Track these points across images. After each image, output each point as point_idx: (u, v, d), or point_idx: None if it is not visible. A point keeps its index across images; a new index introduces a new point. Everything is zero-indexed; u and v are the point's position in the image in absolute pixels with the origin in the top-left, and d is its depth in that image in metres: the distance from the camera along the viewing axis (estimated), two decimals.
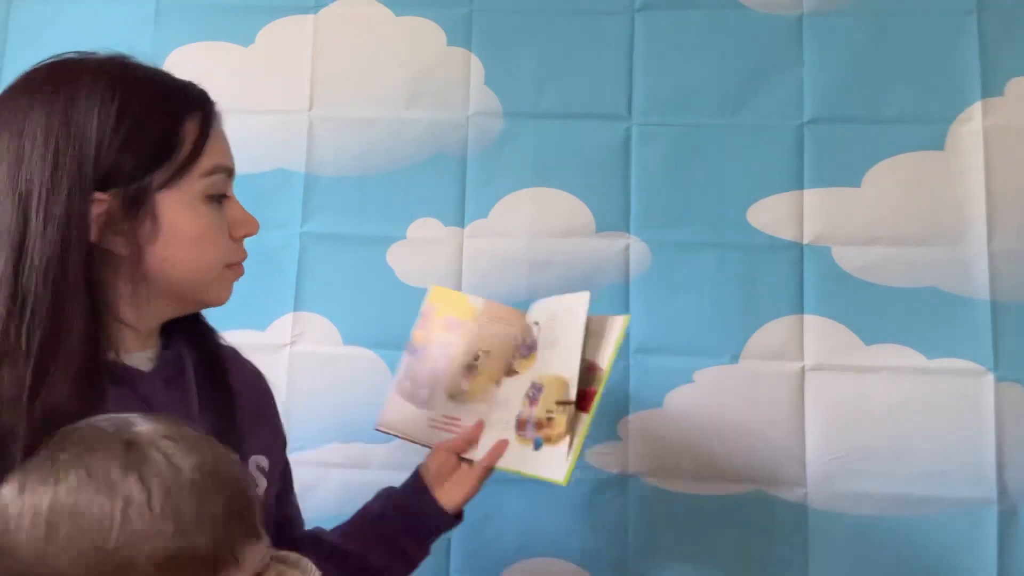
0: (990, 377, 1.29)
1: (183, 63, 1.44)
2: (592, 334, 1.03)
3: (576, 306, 1.04)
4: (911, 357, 1.31)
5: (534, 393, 1.04)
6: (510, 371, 1.10)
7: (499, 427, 1.06)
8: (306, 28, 1.45)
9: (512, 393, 1.07)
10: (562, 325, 1.05)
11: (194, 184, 0.77)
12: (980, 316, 1.31)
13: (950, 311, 1.31)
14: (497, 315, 1.13)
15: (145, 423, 0.63)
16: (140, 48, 1.41)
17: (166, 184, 0.75)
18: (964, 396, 1.29)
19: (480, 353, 1.11)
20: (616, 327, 1.02)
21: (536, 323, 1.10)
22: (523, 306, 1.15)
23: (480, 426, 1.08)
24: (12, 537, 0.58)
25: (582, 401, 1.00)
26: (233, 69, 1.44)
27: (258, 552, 0.62)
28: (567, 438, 0.98)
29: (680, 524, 1.31)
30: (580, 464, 1.31)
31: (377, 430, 1.08)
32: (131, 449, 0.60)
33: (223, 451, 0.65)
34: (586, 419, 0.99)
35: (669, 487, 1.32)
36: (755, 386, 1.32)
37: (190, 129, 0.77)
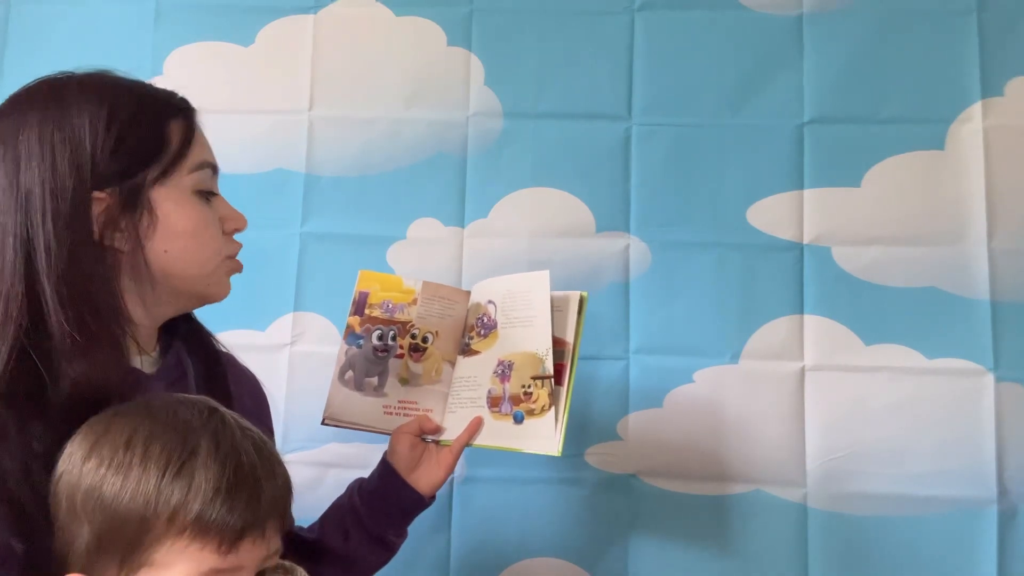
0: (990, 377, 1.29)
1: (183, 63, 1.44)
2: (554, 310, 1.04)
3: (537, 285, 1.06)
4: (911, 357, 1.31)
5: (503, 370, 1.05)
6: (467, 351, 1.10)
7: (468, 406, 1.07)
8: (306, 28, 1.44)
9: (475, 372, 1.08)
10: (523, 303, 1.07)
11: (184, 179, 0.81)
12: (980, 316, 1.31)
13: (950, 311, 1.31)
14: (437, 294, 1.12)
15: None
16: (140, 48, 1.44)
17: (158, 180, 0.79)
18: (964, 396, 1.29)
19: (428, 334, 1.11)
20: (574, 302, 1.05)
21: (491, 302, 1.10)
22: None
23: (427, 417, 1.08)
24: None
25: (555, 375, 1.02)
26: (233, 69, 1.44)
27: (254, 551, 0.66)
28: (551, 411, 1.00)
29: (680, 524, 1.31)
30: (580, 464, 1.32)
31: (324, 424, 1.07)
32: (220, 428, 0.68)
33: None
34: (565, 392, 1.01)
35: (669, 487, 1.32)
36: (755, 386, 1.32)
37: (175, 129, 0.81)
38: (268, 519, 0.67)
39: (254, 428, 0.71)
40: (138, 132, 0.78)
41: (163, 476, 0.64)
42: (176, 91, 0.85)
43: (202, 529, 0.63)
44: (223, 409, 0.71)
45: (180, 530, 0.63)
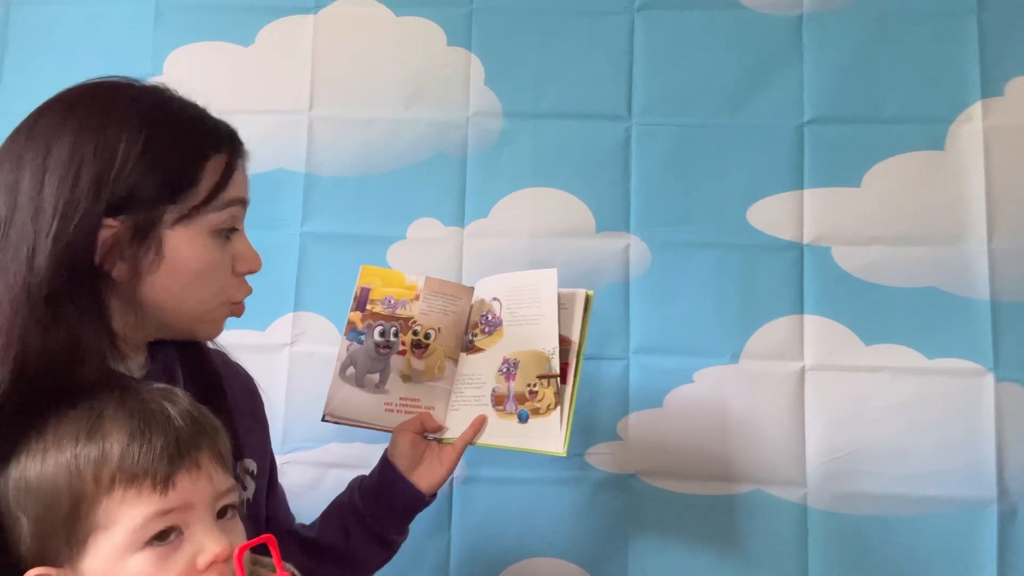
0: (990, 377, 1.29)
1: (183, 63, 1.44)
2: (560, 308, 1.04)
3: (544, 283, 1.06)
4: (911, 357, 1.31)
5: (509, 369, 1.04)
6: (471, 348, 1.10)
7: (471, 404, 1.06)
8: (306, 28, 1.45)
9: (479, 369, 1.08)
10: (529, 301, 1.06)
11: (207, 217, 0.78)
12: (980, 316, 1.30)
13: (950, 311, 1.31)
14: (439, 290, 1.12)
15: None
16: (140, 48, 1.44)
17: (177, 219, 0.76)
18: (964, 396, 1.29)
19: (431, 331, 1.10)
20: (580, 300, 1.05)
21: (496, 299, 1.10)
22: None
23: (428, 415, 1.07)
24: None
25: (560, 374, 1.01)
26: (233, 69, 1.44)
27: (198, 485, 0.66)
28: (556, 410, 1.00)
29: (680, 524, 1.31)
30: (580, 464, 1.32)
31: (324, 421, 1.06)
32: (124, 392, 0.69)
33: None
34: (570, 390, 1.01)
35: (669, 487, 1.32)
36: (755, 386, 1.32)
37: (212, 168, 0.78)
38: (199, 451, 0.66)
39: (167, 386, 0.71)
40: (170, 168, 0.75)
41: (76, 443, 0.64)
42: (227, 122, 0.82)
43: (130, 476, 0.63)
44: (133, 382, 0.72)
45: (109, 484, 0.63)
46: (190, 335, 0.83)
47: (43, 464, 0.65)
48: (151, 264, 0.75)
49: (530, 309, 1.06)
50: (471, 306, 1.12)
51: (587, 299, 1.05)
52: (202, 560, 0.63)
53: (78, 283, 0.71)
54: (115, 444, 0.64)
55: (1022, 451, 1.27)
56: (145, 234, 0.74)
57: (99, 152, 0.72)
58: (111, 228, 0.73)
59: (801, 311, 1.33)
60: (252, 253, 0.84)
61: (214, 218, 0.78)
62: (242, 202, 0.81)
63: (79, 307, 0.72)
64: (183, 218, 0.76)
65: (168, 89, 0.80)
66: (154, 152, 0.74)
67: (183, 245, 0.76)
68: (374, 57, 1.43)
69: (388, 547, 1.04)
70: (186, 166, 0.76)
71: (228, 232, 0.81)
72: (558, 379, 1.01)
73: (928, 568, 1.27)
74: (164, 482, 0.63)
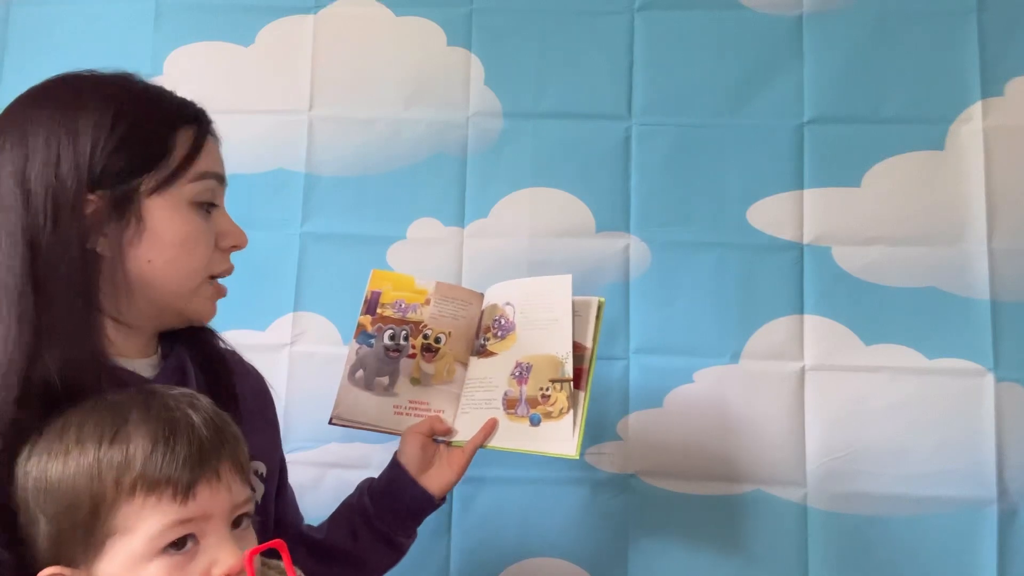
0: (990, 377, 1.29)
1: (183, 63, 1.44)
2: (574, 315, 1.04)
3: (558, 288, 1.06)
4: (911, 357, 1.31)
5: (521, 372, 1.04)
6: (482, 352, 1.10)
7: (481, 407, 1.06)
8: (306, 28, 1.45)
9: (490, 373, 1.08)
10: (542, 307, 1.07)
11: (183, 189, 0.79)
12: (980, 316, 1.31)
13: (950, 311, 1.31)
14: (450, 294, 1.12)
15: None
16: (140, 48, 1.44)
17: (154, 189, 0.77)
18: (964, 396, 1.29)
19: (441, 335, 1.10)
20: (592, 308, 1.05)
21: (508, 304, 1.10)
22: None
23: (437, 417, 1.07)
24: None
25: (573, 379, 1.02)
26: (233, 69, 1.44)
27: (217, 496, 0.66)
28: (569, 413, 1.00)
29: (680, 524, 1.31)
30: (580, 464, 1.32)
31: (332, 424, 1.06)
32: (149, 396, 0.69)
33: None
34: (584, 395, 1.01)
35: (669, 487, 1.32)
36: (755, 386, 1.32)
37: (183, 138, 0.80)
38: (220, 462, 0.66)
39: (191, 392, 0.71)
40: (141, 137, 0.77)
41: (100, 447, 0.64)
42: (194, 101, 0.84)
43: (152, 483, 0.63)
44: (157, 387, 0.72)
45: (130, 490, 0.63)
46: (184, 316, 0.83)
47: (65, 465, 0.65)
48: (133, 237, 0.76)
49: (544, 314, 1.06)
50: (482, 311, 1.12)
51: (599, 306, 1.05)
52: (216, 572, 0.64)
53: (74, 266, 0.73)
54: (139, 450, 0.64)
55: (1022, 451, 1.27)
56: (124, 206, 0.76)
57: (73, 133, 0.74)
58: (91, 203, 0.74)
59: (801, 311, 1.33)
60: (236, 228, 0.85)
61: (189, 189, 0.79)
62: (217, 177, 0.83)
63: (76, 289, 0.73)
64: (159, 187, 0.77)
65: (132, 74, 0.82)
66: (124, 125, 0.76)
67: (163, 215, 0.77)
68: (374, 57, 1.43)
69: (396, 549, 1.04)
70: (156, 136, 0.78)
71: (208, 207, 0.81)
72: (571, 383, 1.01)
73: (928, 568, 1.27)
74: (185, 491, 0.64)
